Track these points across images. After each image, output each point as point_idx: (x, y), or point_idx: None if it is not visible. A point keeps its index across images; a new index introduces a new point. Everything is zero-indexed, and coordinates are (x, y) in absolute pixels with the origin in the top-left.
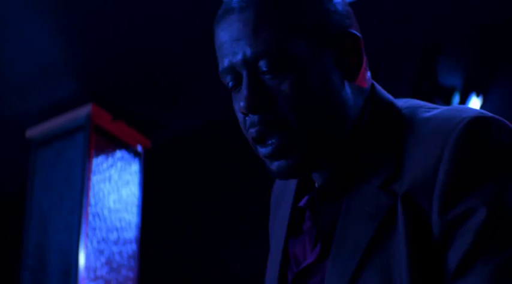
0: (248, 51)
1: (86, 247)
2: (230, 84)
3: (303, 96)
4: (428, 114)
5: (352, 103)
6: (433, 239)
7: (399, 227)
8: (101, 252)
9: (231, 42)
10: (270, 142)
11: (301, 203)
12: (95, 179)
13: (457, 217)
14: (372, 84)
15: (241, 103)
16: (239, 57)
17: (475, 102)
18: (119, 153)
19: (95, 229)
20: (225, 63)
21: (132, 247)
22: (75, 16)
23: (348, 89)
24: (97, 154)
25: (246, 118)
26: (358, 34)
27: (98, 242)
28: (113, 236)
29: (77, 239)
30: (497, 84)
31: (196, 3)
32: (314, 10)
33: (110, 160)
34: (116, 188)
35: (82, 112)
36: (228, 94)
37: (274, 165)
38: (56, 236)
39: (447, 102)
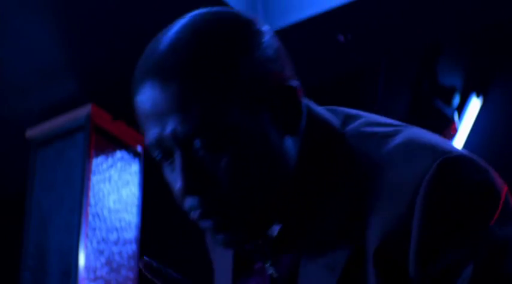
0: (178, 129)
1: (86, 247)
2: (159, 157)
3: (244, 171)
4: (384, 150)
5: (293, 153)
6: None
7: (370, 282)
8: (101, 252)
9: (156, 116)
10: (212, 220)
11: (250, 247)
12: (94, 179)
13: (440, 273)
14: (308, 109)
15: (177, 185)
16: (168, 134)
17: (475, 103)
18: (118, 153)
19: (94, 229)
20: (151, 137)
21: (132, 248)
22: (75, 16)
23: (288, 142)
24: (97, 155)
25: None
26: (294, 84)
27: (98, 242)
28: (113, 236)
29: (76, 239)
30: (498, 84)
31: (198, 5)
32: (245, 69)
33: (110, 160)
34: (116, 188)
35: (82, 112)
36: None
37: (219, 238)
38: (56, 237)
39: (447, 102)
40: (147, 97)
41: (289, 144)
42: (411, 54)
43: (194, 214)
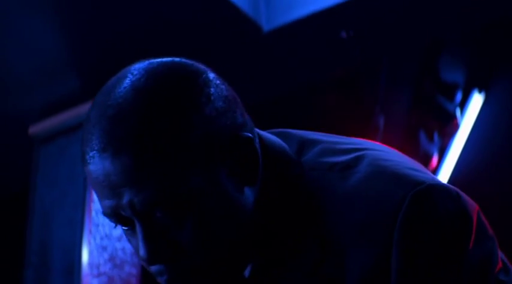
0: (136, 201)
1: (89, 243)
2: (118, 224)
3: (208, 233)
4: (348, 185)
5: (253, 200)
6: None
7: None
8: (104, 248)
9: (110, 188)
10: (180, 282)
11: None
12: None
13: None
14: (262, 145)
15: (141, 254)
16: (126, 206)
17: (477, 99)
18: None
19: (98, 225)
20: (107, 206)
21: None
22: (77, 13)
23: (247, 192)
24: None
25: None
26: (248, 135)
27: (101, 238)
28: (116, 232)
29: (80, 235)
30: (500, 80)
31: (199, 4)
32: (197, 130)
33: None
34: None
35: (84, 108)
36: None
37: None
38: (59, 233)
39: (449, 98)
40: (98, 168)
41: (249, 192)
42: (413, 50)
43: (161, 280)
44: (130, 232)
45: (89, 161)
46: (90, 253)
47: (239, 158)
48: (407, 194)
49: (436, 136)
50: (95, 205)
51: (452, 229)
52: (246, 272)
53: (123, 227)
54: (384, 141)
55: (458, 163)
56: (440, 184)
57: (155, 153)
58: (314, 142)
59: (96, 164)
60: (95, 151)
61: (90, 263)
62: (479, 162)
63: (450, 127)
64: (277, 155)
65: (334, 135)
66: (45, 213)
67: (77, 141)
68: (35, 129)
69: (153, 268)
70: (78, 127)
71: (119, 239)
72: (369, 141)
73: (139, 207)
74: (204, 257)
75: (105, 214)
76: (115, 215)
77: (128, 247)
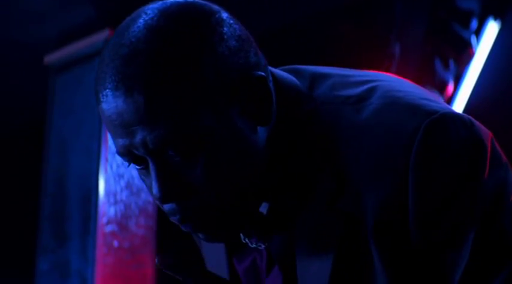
0: (149, 140)
1: (106, 171)
2: (131, 163)
3: (220, 172)
4: (362, 117)
5: (266, 138)
6: (418, 264)
7: (374, 258)
8: (121, 176)
9: (123, 127)
10: (192, 223)
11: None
12: None
13: (443, 239)
14: (275, 83)
15: (154, 192)
16: (138, 144)
17: (492, 26)
18: None
19: (114, 153)
20: (121, 146)
21: None
22: None
23: (260, 131)
24: None
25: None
26: (261, 73)
27: (118, 166)
28: None
29: (96, 164)
30: None
31: None
32: (210, 68)
33: None
34: None
35: (99, 37)
36: None
37: (201, 236)
38: (76, 162)
39: (465, 26)
40: (111, 106)
41: (262, 132)
42: None
43: (174, 219)
44: (144, 171)
45: (102, 99)
46: (107, 181)
47: (252, 97)
48: (422, 124)
49: (451, 64)
50: None
51: (467, 156)
52: (264, 211)
53: (137, 167)
54: (400, 69)
55: (474, 90)
56: (453, 113)
57: (167, 91)
58: (325, 76)
59: (109, 103)
60: (108, 90)
61: (107, 191)
62: (495, 90)
63: (466, 55)
64: (290, 92)
65: (345, 68)
66: (61, 142)
67: (92, 70)
68: (50, 58)
69: (166, 207)
70: (94, 56)
71: None
72: (380, 72)
73: (152, 145)
74: (216, 196)
75: (118, 153)
76: (128, 154)
77: None
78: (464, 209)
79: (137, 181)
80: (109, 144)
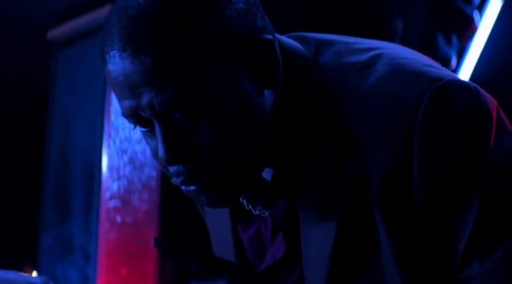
0: (155, 101)
1: (109, 147)
2: (137, 125)
3: (227, 135)
4: (368, 83)
5: (272, 102)
6: (422, 230)
7: (378, 224)
8: (124, 151)
9: (130, 88)
10: (196, 185)
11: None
12: None
13: (447, 205)
14: (281, 50)
15: (160, 155)
16: (144, 106)
17: (495, 2)
18: None
19: (117, 128)
20: (126, 108)
21: None
22: None
23: (267, 95)
24: None
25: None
26: (268, 37)
27: (121, 141)
28: (135, 135)
29: (99, 139)
30: None
31: None
32: (218, 30)
33: None
34: None
35: (102, 12)
36: None
37: (203, 199)
38: (79, 137)
39: (468, 2)
40: (118, 68)
41: (268, 95)
42: None
43: (177, 181)
44: (149, 133)
45: (108, 61)
46: (110, 157)
47: (259, 60)
48: (427, 90)
49: (454, 40)
50: (114, 108)
51: (472, 123)
52: (268, 177)
53: (142, 129)
54: (402, 45)
55: (476, 66)
56: (459, 80)
57: (175, 52)
58: (331, 43)
59: (116, 64)
60: (115, 51)
61: (110, 167)
62: (497, 66)
63: (468, 30)
64: (295, 58)
65: (349, 36)
66: (64, 118)
67: (95, 45)
68: (53, 33)
69: (171, 169)
70: (97, 31)
71: (139, 142)
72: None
73: (159, 107)
74: (222, 159)
75: (124, 115)
76: (134, 116)
77: (148, 149)
78: (469, 176)
79: (140, 156)
80: (111, 119)
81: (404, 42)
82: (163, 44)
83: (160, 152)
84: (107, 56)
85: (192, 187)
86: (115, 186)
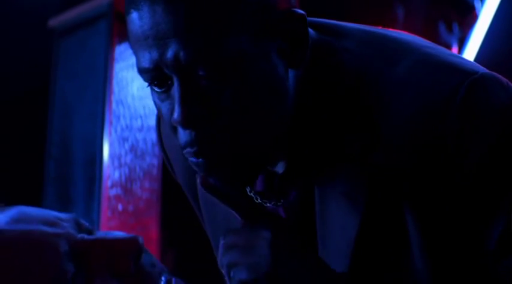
0: (182, 55)
1: (110, 134)
2: (153, 83)
3: (248, 104)
4: (396, 70)
5: (294, 85)
6: (452, 224)
7: (406, 215)
8: (125, 140)
9: (156, 38)
10: (207, 158)
11: (258, 187)
12: (117, 67)
13: (478, 202)
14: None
15: (175, 116)
16: (169, 59)
17: None
18: None
19: (118, 116)
20: (147, 61)
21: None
22: None
23: (291, 77)
24: (120, 42)
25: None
26: (301, 12)
27: (122, 129)
28: (137, 123)
29: (100, 127)
30: None
31: None
32: None
33: None
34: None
35: (104, 0)
36: None
37: (211, 174)
38: (80, 125)
39: None
40: (146, 16)
41: (291, 76)
42: None
43: (188, 151)
44: (164, 95)
45: (136, 8)
46: (111, 145)
47: (290, 35)
48: (463, 83)
49: (455, 28)
50: (116, 96)
51: (506, 118)
52: (280, 169)
53: (157, 89)
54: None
55: (478, 54)
56: (492, 74)
57: (209, 6)
58: (348, 29)
59: (145, 11)
60: None
61: (111, 155)
62: (498, 54)
63: (470, 18)
64: (320, 42)
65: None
66: (65, 106)
67: (97, 33)
68: (54, 21)
69: (183, 137)
70: (99, 19)
71: (140, 130)
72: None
73: (184, 61)
74: (237, 130)
75: (142, 70)
76: (154, 71)
77: (149, 137)
78: (505, 169)
79: (141, 145)
80: (113, 108)
81: (406, 29)
82: None
83: (176, 112)
84: (135, 2)
85: (202, 160)
86: (116, 174)
